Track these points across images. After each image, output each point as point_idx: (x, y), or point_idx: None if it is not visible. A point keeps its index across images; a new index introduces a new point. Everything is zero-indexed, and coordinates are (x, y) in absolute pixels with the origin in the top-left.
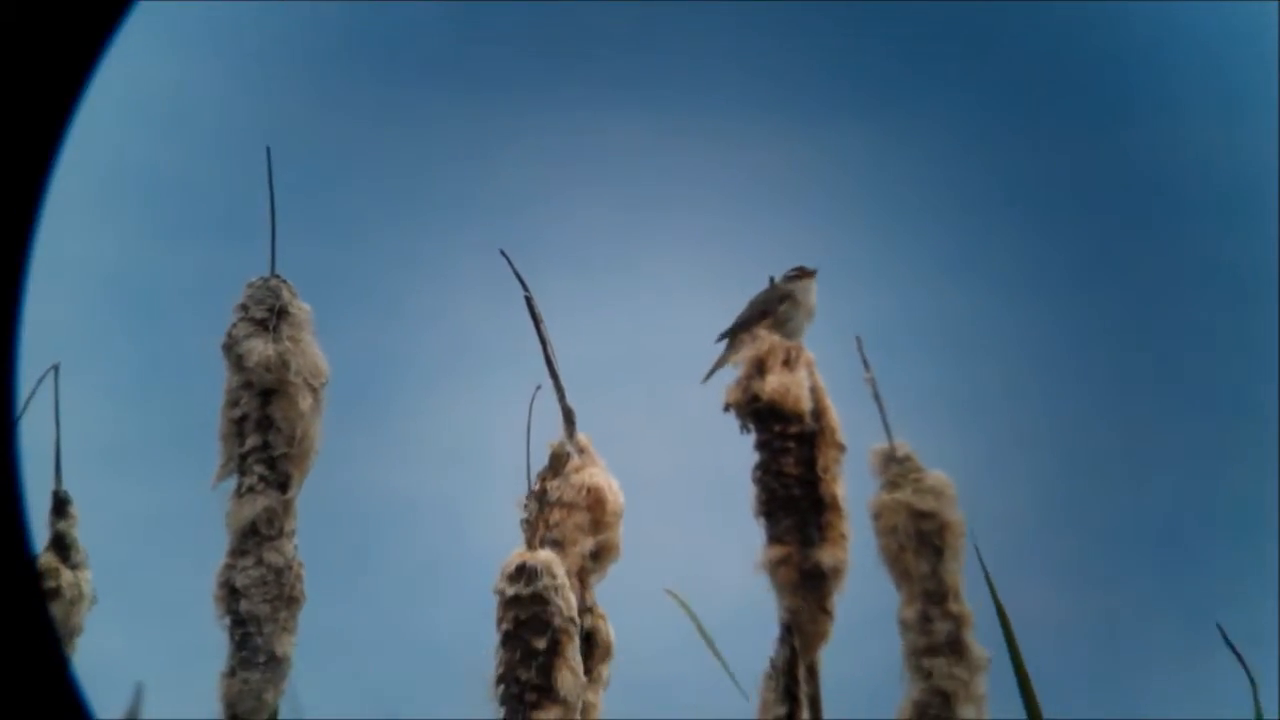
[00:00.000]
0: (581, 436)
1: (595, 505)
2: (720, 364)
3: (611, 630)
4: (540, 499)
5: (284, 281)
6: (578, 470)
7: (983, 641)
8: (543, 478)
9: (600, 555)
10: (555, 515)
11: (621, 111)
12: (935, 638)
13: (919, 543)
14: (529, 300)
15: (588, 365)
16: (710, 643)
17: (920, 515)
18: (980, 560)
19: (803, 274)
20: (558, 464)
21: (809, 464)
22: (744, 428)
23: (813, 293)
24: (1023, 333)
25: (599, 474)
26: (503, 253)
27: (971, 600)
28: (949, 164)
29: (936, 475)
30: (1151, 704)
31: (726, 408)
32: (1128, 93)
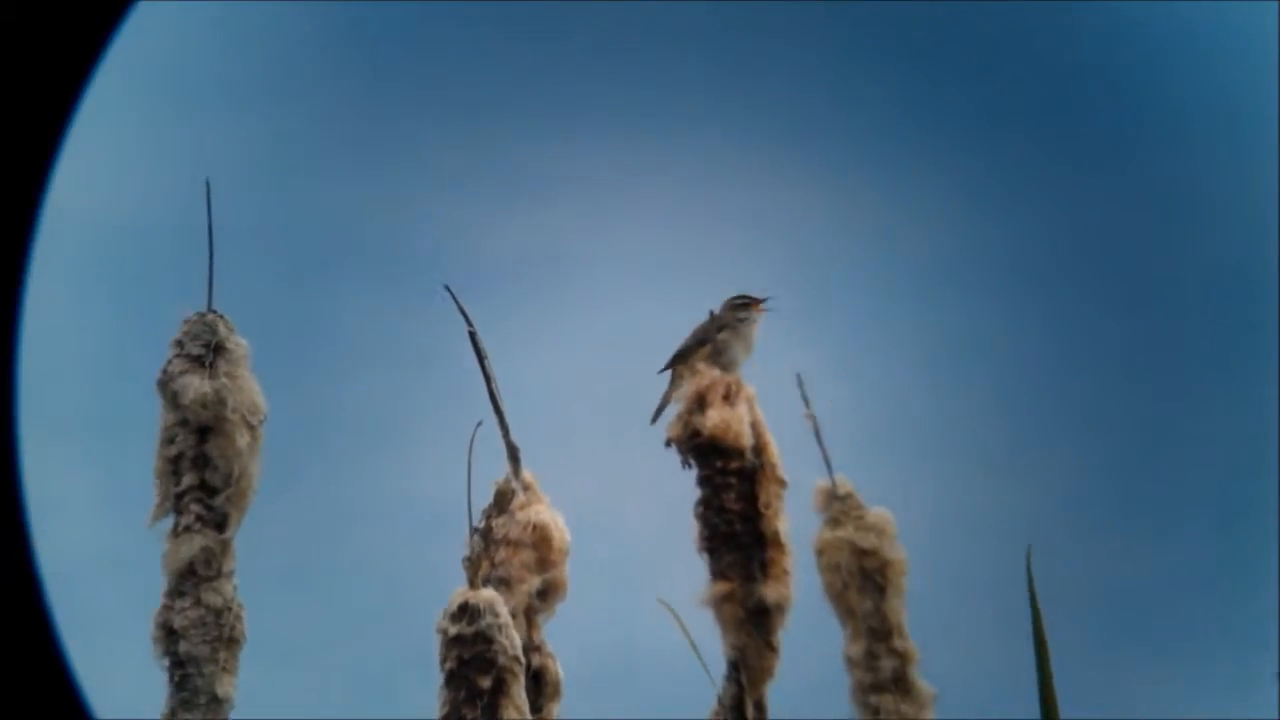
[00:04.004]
0: (527, 473)
1: (542, 543)
2: (665, 402)
3: (560, 669)
4: (485, 536)
5: (221, 316)
6: (523, 507)
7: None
8: (488, 515)
9: (547, 593)
10: (501, 553)
11: (577, 142)
12: (881, 674)
13: (862, 580)
14: (473, 336)
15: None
16: (697, 652)
17: (862, 553)
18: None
19: (746, 303)
20: (503, 501)
21: (750, 499)
22: (685, 463)
23: (754, 324)
24: (1017, 349)
25: (545, 511)
26: (447, 288)
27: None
28: (936, 180)
29: (878, 513)
30: None
31: (668, 443)
32: (1127, 94)
